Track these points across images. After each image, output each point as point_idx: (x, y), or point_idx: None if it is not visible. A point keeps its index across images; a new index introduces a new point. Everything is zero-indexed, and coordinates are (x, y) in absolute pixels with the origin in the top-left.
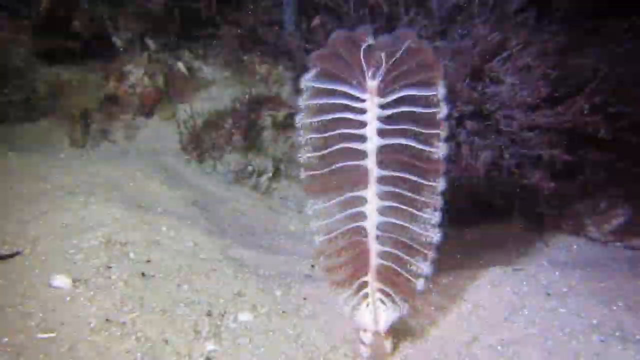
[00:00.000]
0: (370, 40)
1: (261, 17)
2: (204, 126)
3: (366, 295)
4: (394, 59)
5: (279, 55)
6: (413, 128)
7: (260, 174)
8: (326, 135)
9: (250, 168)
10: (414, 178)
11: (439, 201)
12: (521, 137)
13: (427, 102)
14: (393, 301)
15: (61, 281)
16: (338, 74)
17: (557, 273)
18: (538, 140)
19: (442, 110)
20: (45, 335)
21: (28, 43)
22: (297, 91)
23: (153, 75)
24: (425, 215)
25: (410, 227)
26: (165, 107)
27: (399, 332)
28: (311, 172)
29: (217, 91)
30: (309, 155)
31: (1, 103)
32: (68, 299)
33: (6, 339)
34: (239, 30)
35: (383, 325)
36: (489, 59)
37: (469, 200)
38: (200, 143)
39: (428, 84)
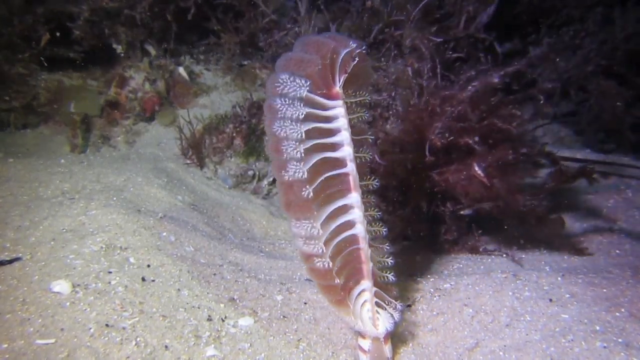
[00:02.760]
0: (352, 44)
1: (261, 23)
2: (204, 131)
3: (364, 302)
4: (353, 64)
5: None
6: (367, 135)
7: (260, 179)
8: (309, 145)
9: (250, 173)
10: (364, 181)
11: (373, 199)
12: None
13: (358, 107)
14: (387, 303)
15: (61, 287)
16: (309, 79)
17: (559, 279)
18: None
19: (366, 115)
20: (45, 341)
21: (29, 51)
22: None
23: (154, 80)
24: (374, 213)
25: (372, 227)
26: (166, 112)
27: (400, 337)
28: (310, 189)
29: (217, 96)
30: (305, 169)
31: (2, 109)
32: (68, 304)
33: (5, 345)
34: (238, 38)
35: (383, 329)
36: None
37: None
38: (200, 148)
39: (363, 88)
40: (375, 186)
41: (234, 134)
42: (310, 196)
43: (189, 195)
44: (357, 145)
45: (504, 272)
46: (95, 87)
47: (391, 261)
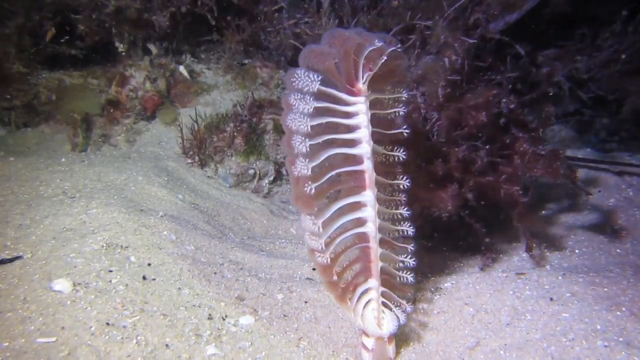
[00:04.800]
0: (378, 43)
1: (262, 22)
2: (205, 130)
3: (370, 301)
4: (381, 62)
5: (280, 60)
6: (383, 130)
7: (261, 178)
8: (320, 141)
9: (251, 172)
10: (390, 179)
11: (404, 198)
12: None
13: (394, 103)
14: (396, 304)
15: (62, 285)
16: (328, 74)
17: (560, 278)
18: None
19: (402, 111)
20: (45, 340)
21: (30, 49)
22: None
23: (154, 79)
24: (400, 212)
25: (393, 226)
26: (167, 111)
27: (401, 337)
28: (312, 186)
29: (218, 95)
30: (311, 165)
31: (3, 108)
32: (68, 303)
33: (6, 344)
34: (240, 37)
35: (387, 330)
36: None
37: None
38: (201, 147)
39: (399, 86)
40: (406, 186)
41: (235, 133)
42: (312, 192)
43: (189, 194)
44: (389, 142)
45: (504, 271)
46: (95, 86)
47: (413, 262)
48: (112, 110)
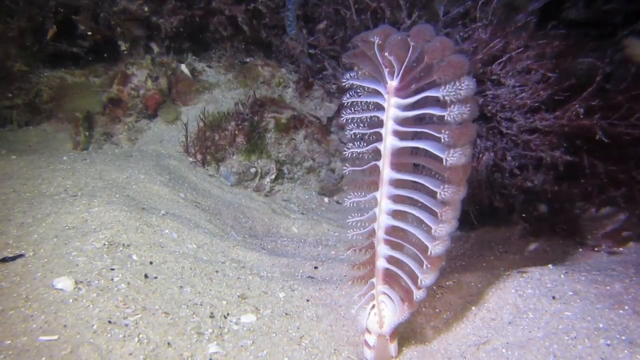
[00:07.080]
0: (379, 40)
1: (264, 20)
2: (207, 128)
3: (372, 297)
4: (412, 60)
5: (282, 58)
6: (433, 132)
7: (263, 176)
8: (365, 133)
9: (253, 170)
10: (431, 184)
11: (451, 211)
12: (522, 140)
13: (448, 104)
14: (397, 305)
15: (63, 283)
16: (371, 70)
17: (562, 276)
18: (539, 143)
19: (452, 115)
20: (47, 338)
21: (32, 47)
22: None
23: (156, 77)
24: (438, 227)
25: (419, 235)
26: (169, 110)
27: (403, 335)
28: (352, 168)
29: (220, 93)
30: (351, 150)
31: (5, 106)
32: (70, 301)
33: (8, 342)
34: (242, 36)
35: (386, 328)
36: (489, 62)
37: (471, 202)
38: (203, 145)
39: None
40: (444, 196)
41: (236, 132)
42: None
43: (191, 193)
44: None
45: (506, 269)
46: (97, 84)
47: (428, 280)
48: (113, 109)
